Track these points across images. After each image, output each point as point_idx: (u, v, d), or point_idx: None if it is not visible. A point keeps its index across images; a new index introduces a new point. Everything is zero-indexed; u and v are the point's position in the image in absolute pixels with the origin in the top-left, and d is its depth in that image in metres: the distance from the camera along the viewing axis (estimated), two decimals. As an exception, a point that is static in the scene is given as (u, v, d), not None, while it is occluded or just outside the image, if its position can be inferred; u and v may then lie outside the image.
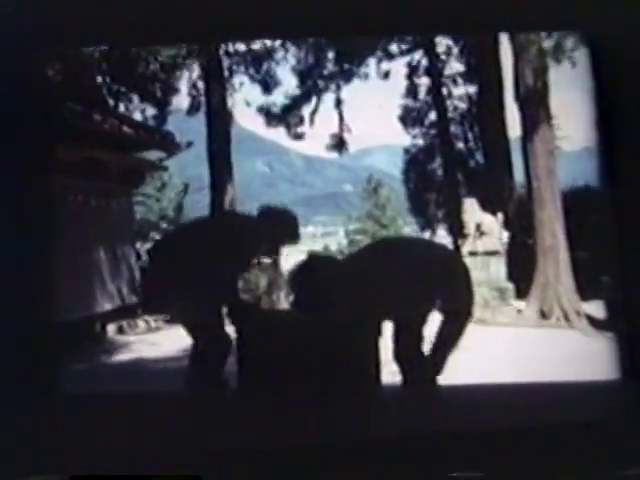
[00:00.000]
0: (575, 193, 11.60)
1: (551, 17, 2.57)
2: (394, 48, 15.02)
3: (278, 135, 16.38)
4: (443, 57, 14.98)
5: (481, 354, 6.20)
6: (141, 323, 9.95)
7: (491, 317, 9.50)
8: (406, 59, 15.17)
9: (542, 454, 2.18)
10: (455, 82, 15.00)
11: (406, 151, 15.88)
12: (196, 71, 14.18)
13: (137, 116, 13.53)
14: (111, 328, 9.64)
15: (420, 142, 15.63)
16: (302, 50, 14.59)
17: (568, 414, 2.49)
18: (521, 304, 9.97)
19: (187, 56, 13.28)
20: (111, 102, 12.67)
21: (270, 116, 15.34)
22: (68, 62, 9.20)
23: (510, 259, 10.52)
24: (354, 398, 3.06)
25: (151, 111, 13.93)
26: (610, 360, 2.71)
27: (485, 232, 10.60)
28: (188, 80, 14.31)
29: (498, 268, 10.39)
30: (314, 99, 15.26)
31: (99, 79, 12.14)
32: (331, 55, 14.79)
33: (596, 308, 8.79)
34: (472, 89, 14.86)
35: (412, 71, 15.26)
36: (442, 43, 14.71)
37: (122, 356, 8.20)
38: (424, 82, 15.32)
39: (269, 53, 14.54)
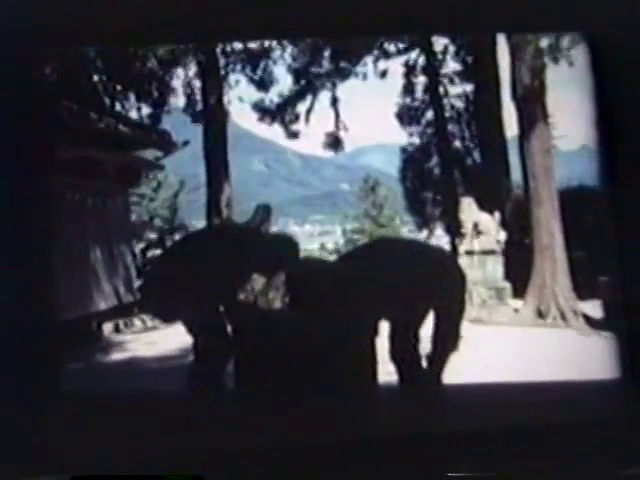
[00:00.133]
0: (572, 192, 11.61)
1: (551, 17, 2.57)
2: (391, 47, 15.00)
3: (275, 134, 16.35)
4: (440, 56, 14.96)
5: (478, 353, 6.20)
6: (137, 322, 9.93)
7: (488, 316, 9.51)
8: (403, 58, 15.17)
9: (542, 454, 2.18)
10: (452, 81, 14.99)
11: (403, 150, 15.86)
12: (192, 70, 14.16)
13: (133, 115, 13.51)
14: (107, 327, 9.62)
15: (417, 141, 15.62)
16: (299, 49, 14.57)
17: (565, 413, 2.50)
18: (518, 303, 9.97)
19: (183, 55, 13.25)
20: (107, 101, 12.64)
21: (266, 114, 15.32)
22: (64, 61, 9.17)
23: (507, 258, 10.53)
24: (352, 397, 3.06)
25: (147, 110, 13.91)
26: (607, 359, 2.71)
27: (482, 231, 10.61)
28: (184, 79, 14.30)
29: (495, 267, 10.40)
30: (310, 97, 15.26)
31: (95, 78, 12.11)
32: (327, 54, 14.77)
33: (593, 307, 8.81)
34: (469, 88, 14.85)
35: (409, 70, 15.25)
36: (439, 42, 14.71)
37: (118, 355, 8.19)
38: (421, 81, 15.31)
39: (266, 52, 14.52)
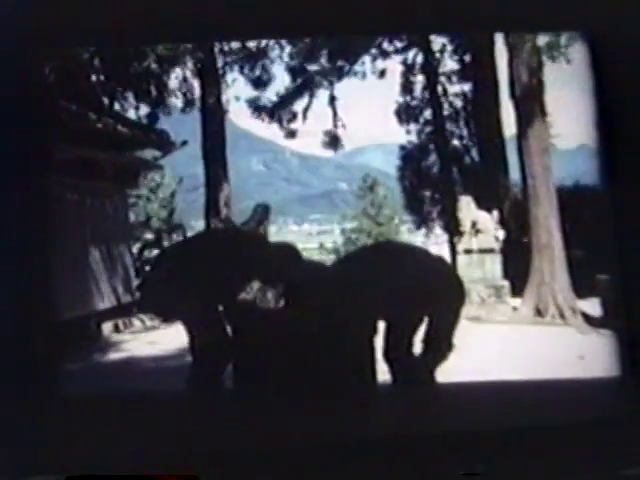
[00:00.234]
0: (570, 190, 11.62)
1: (550, 17, 2.58)
2: (389, 46, 15.01)
3: (273, 134, 16.36)
4: (438, 55, 14.97)
5: (476, 352, 6.21)
6: (136, 322, 9.93)
7: (486, 315, 9.52)
8: (401, 57, 15.18)
9: (541, 453, 2.18)
10: (450, 80, 15.00)
11: (401, 149, 15.87)
12: (190, 70, 14.15)
13: (131, 115, 13.49)
14: (107, 327, 9.62)
15: (415, 140, 15.62)
16: (297, 48, 14.56)
17: (564, 411, 2.50)
18: (516, 301, 9.98)
19: (181, 55, 13.23)
20: (106, 101, 12.62)
21: (264, 113, 15.32)
22: (63, 61, 9.16)
23: (506, 257, 10.54)
24: (351, 397, 3.07)
25: (145, 110, 13.89)
26: (606, 357, 2.72)
27: (480, 230, 10.61)
28: (182, 79, 14.29)
29: (493, 266, 10.41)
30: (308, 96, 15.26)
31: (93, 78, 12.09)
32: (326, 53, 14.77)
33: (592, 305, 8.81)
34: (467, 87, 14.87)
35: (407, 69, 15.25)
36: (437, 41, 14.71)
37: (118, 354, 8.19)
38: (419, 80, 15.32)
39: (264, 51, 14.52)
